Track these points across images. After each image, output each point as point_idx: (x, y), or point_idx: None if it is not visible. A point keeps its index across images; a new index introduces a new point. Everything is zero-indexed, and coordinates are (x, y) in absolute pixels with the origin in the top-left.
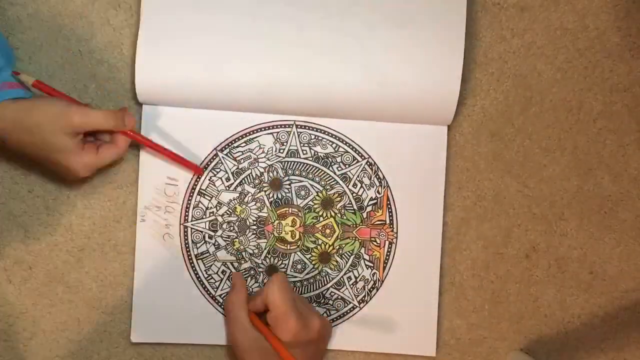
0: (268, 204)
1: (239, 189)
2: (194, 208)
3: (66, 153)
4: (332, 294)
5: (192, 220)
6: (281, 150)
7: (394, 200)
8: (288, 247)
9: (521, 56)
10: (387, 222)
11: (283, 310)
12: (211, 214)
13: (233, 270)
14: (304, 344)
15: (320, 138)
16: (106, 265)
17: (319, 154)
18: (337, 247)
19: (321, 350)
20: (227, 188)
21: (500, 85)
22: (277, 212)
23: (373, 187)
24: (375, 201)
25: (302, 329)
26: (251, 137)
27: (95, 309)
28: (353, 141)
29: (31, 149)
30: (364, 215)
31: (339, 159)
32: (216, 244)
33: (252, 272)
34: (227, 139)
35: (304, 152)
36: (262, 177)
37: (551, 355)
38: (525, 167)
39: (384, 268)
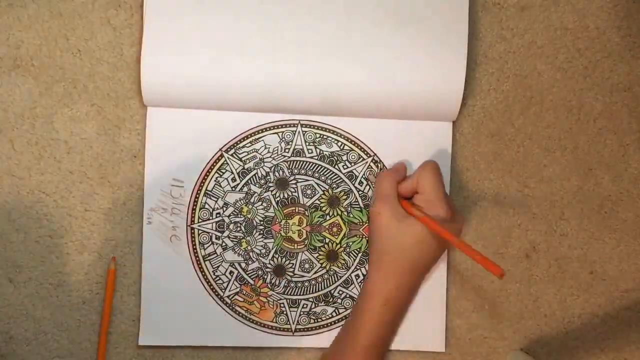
0: (274, 204)
1: (245, 189)
2: (200, 209)
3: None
4: (341, 292)
5: (198, 222)
6: (287, 150)
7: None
8: (295, 247)
9: (521, 56)
10: None
11: (435, 196)
12: (218, 215)
13: (241, 271)
14: (449, 227)
15: (325, 137)
16: (106, 266)
17: (325, 152)
18: (345, 245)
19: (445, 249)
20: (233, 188)
21: (501, 85)
22: (284, 211)
23: None
24: None
25: (450, 217)
26: (256, 137)
27: (97, 311)
28: (358, 139)
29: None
30: None
31: (344, 158)
32: (223, 244)
33: (259, 272)
34: (232, 140)
35: (310, 151)
36: (268, 177)
37: (551, 355)
38: (526, 167)
39: None
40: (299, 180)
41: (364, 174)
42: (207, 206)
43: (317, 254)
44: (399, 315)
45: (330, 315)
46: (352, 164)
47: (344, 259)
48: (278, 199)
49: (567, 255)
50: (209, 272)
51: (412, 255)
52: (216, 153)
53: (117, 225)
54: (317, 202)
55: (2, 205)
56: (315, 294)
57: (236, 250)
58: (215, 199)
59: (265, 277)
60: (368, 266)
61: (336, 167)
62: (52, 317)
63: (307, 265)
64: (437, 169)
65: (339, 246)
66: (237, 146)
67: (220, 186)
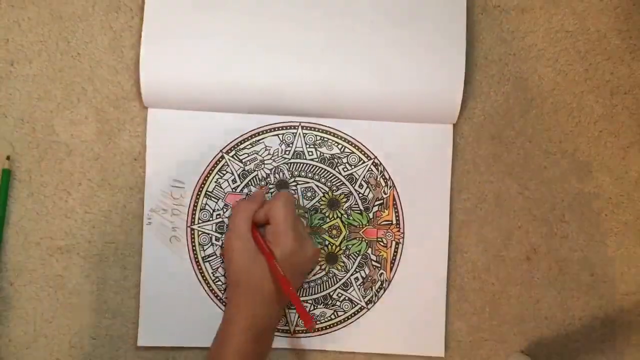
0: None
1: (246, 190)
2: (200, 210)
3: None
4: (340, 295)
5: (198, 223)
6: (287, 152)
7: (400, 200)
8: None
9: (521, 58)
10: (394, 222)
11: (284, 228)
12: (218, 216)
13: None
14: (294, 264)
15: (325, 139)
16: (108, 269)
17: (325, 155)
18: (344, 247)
19: (304, 275)
20: (234, 190)
21: (501, 87)
22: None
23: (379, 187)
24: (381, 201)
25: (297, 249)
26: (257, 138)
27: (97, 313)
28: (359, 142)
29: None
30: (371, 215)
31: (344, 160)
32: (223, 246)
33: None
34: (232, 141)
35: (310, 153)
36: (268, 179)
37: (552, 358)
38: (526, 169)
39: (391, 268)
40: (299, 182)
41: (364, 177)
42: (207, 207)
43: None
44: (262, 341)
45: (329, 318)
46: (353, 167)
47: (344, 262)
48: None
49: (568, 257)
50: (209, 274)
51: (263, 288)
52: (217, 154)
53: (118, 228)
54: (317, 204)
55: (3, 207)
56: (315, 296)
57: None
58: (216, 200)
59: None
60: (227, 292)
61: (336, 169)
62: (53, 320)
63: None
64: (288, 200)
65: (338, 249)
66: (238, 148)
67: (221, 187)
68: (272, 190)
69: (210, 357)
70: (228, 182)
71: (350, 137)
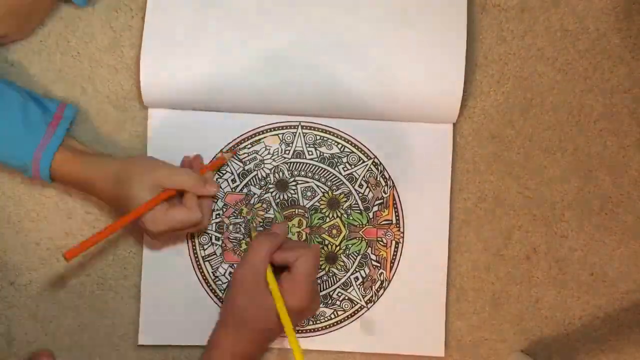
0: (274, 205)
1: (245, 190)
2: None
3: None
4: (340, 294)
5: None
6: (287, 152)
7: (400, 199)
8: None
9: (521, 58)
10: (394, 221)
11: (306, 284)
12: (218, 216)
13: None
14: (300, 316)
15: (325, 139)
16: (108, 269)
17: (325, 154)
18: (344, 247)
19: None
20: (233, 190)
21: (501, 87)
22: (284, 213)
23: (379, 187)
24: (381, 201)
25: (309, 306)
26: (257, 138)
27: (97, 313)
28: (358, 141)
29: (110, 199)
30: (370, 215)
31: (344, 160)
32: (223, 245)
33: None
34: (232, 141)
35: (310, 152)
36: (268, 179)
37: (552, 357)
38: (526, 168)
39: (391, 268)
40: (299, 182)
41: (364, 176)
42: None
43: None
44: None
45: (329, 317)
46: (353, 166)
47: (343, 261)
48: (278, 200)
49: (568, 256)
50: (209, 273)
51: (262, 328)
52: (216, 154)
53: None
54: (316, 204)
55: (3, 208)
56: None
57: (236, 251)
58: (216, 200)
59: None
60: (221, 314)
61: (336, 169)
62: (54, 319)
63: None
64: (317, 255)
65: (338, 248)
66: (238, 147)
67: (220, 187)
68: (272, 189)
69: None
70: (228, 181)
71: (350, 136)
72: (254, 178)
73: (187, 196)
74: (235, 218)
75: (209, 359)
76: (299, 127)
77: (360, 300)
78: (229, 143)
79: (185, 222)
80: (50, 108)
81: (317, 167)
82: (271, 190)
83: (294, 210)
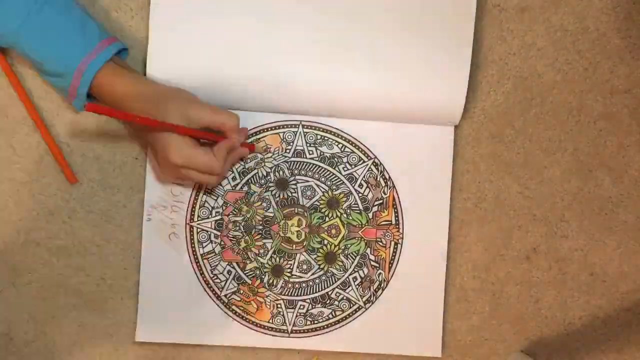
0: (274, 204)
1: (245, 188)
2: (200, 207)
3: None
4: (338, 294)
5: (198, 220)
6: (287, 150)
7: (399, 200)
8: (294, 247)
9: (521, 58)
10: (393, 222)
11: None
12: (217, 214)
13: (239, 270)
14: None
15: (326, 138)
16: (108, 269)
17: (325, 154)
18: (343, 247)
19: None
20: (234, 188)
21: (501, 87)
22: (283, 212)
23: (379, 187)
24: (381, 201)
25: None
26: (258, 137)
27: (97, 312)
28: (359, 141)
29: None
30: (370, 215)
31: (345, 159)
32: (222, 243)
33: (257, 272)
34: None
35: (310, 152)
36: (268, 177)
37: (552, 357)
38: (526, 168)
39: (390, 268)
40: (299, 181)
41: (364, 177)
42: (206, 205)
43: (315, 256)
44: None
45: (327, 317)
46: (353, 166)
47: (342, 261)
48: (278, 199)
49: (568, 256)
50: (207, 271)
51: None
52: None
53: (118, 228)
54: (316, 203)
55: (3, 208)
56: (313, 295)
57: (234, 249)
58: (215, 198)
59: (263, 277)
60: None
61: (336, 168)
62: (53, 320)
63: (305, 267)
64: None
65: (337, 248)
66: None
67: (221, 185)
68: (272, 188)
69: None
70: (228, 179)
71: (351, 136)
72: (254, 176)
73: (219, 145)
74: (235, 216)
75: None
76: (300, 126)
77: (359, 301)
78: None
79: (206, 166)
80: (106, 33)
81: (317, 167)
82: (271, 188)
83: (293, 209)
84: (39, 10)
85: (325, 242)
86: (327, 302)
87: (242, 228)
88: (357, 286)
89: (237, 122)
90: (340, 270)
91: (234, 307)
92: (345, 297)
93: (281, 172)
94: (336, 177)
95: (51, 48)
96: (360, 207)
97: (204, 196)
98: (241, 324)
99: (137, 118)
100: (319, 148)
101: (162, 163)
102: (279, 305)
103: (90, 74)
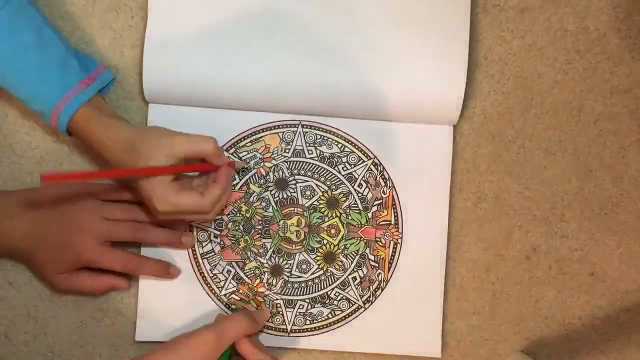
0: (273, 204)
1: (245, 188)
2: None
3: (153, 183)
4: (337, 294)
5: None
6: (287, 150)
7: (399, 200)
8: (293, 247)
9: (521, 58)
10: (393, 222)
11: None
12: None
13: (238, 270)
14: None
15: (325, 138)
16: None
17: (325, 153)
18: (342, 247)
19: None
20: (233, 187)
21: (501, 86)
22: (283, 211)
23: (378, 187)
24: (380, 201)
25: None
26: (257, 136)
27: (97, 312)
28: (359, 141)
29: (120, 165)
30: (369, 215)
31: (344, 159)
32: (221, 243)
33: (256, 271)
34: (232, 138)
35: (310, 152)
36: (268, 177)
37: (552, 357)
38: (526, 168)
39: (389, 268)
40: (299, 181)
41: (363, 176)
42: None
43: (314, 255)
44: None
45: (326, 317)
46: (352, 166)
47: (342, 261)
48: (277, 199)
49: (568, 256)
50: (206, 270)
51: None
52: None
53: None
54: (316, 203)
55: None
56: (312, 295)
57: (234, 249)
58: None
59: (262, 276)
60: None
61: (336, 168)
62: (53, 320)
63: (304, 266)
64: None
65: (336, 248)
66: (238, 145)
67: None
68: (271, 188)
69: None
70: None
71: (351, 136)
72: (253, 176)
73: (210, 191)
74: (235, 216)
75: None
76: (299, 125)
77: (358, 301)
78: (229, 140)
79: (195, 208)
80: (90, 68)
81: (316, 166)
82: (270, 188)
83: (292, 209)
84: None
85: (325, 241)
86: (327, 301)
87: (241, 228)
88: (356, 286)
89: (214, 146)
90: (340, 270)
91: (233, 306)
92: (344, 297)
93: (280, 172)
94: (335, 177)
95: (29, 87)
96: (360, 207)
97: None
98: None
99: (99, 174)
100: (319, 148)
101: (152, 211)
102: (278, 305)
103: (66, 117)
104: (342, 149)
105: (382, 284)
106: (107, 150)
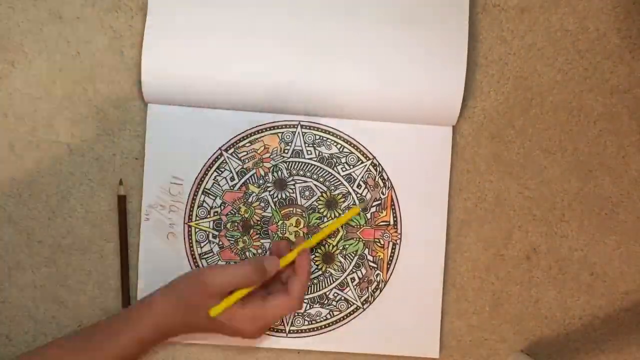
0: (272, 204)
1: (244, 188)
2: (198, 207)
3: (224, 316)
4: (336, 294)
5: (196, 220)
6: (286, 151)
7: (398, 201)
8: (292, 248)
9: (521, 58)
10: (391, 223)
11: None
12: (215, 214)
13: None
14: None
15: (325, 138)
16: (108, 269)
17: (324, 154)
18: (341, 247)
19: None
20: (232, 188)
21: (501, 87)
22: (281, 212)
23: (377, 187)
24: (379, 202)
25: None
26: (256, 137)
27: (98, 312)
28: (358, 142)
29: (193, 330)
30: (368, 216)
31: (343, 160)
32: (220, 243)
33: None
34: (232, 139)
35: (309, 152)
36: (267, 177)
37: (552, 357)
38: (526, 168)
39: (388, 269)
40: (298, 182)
41: (362, 177)
42: (205, 204)
43: (313, 256)
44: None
45: (324, 318)
46: (351, 167)
47: (340, 262)
48: (276, 199)
49: (568, 256)
50: None
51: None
52: (215, 152)
53: (117, 227)
54: (314, 203)
55: (4, 207)
56: (310, 296)
57: (232, 249)
58: (214, 198)
59: None
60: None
61: (335, 169)
62: (53, 320)
63: None
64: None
65: (335, 248)
66: (237, 145)
67: (219, 185)
68: (270, 188)
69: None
70: (226, 179)
71: (350, 137)
72: (252, 176)
73: (292, 287)
74: (233, 216)
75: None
76: (299, 126)
77: (357, 301)
78: (228, 141)
79: (286, 311)
80: None
81: (315, 167)
82: (269, 189)
83: (291, 209)
84: None
85: (323, 242)
86: (325, 302)
87: (240, 228)
88: (355, 286)
89: (252, 272)
90: (338, 271)
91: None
92: (343, 298)
93: (279, 173)
94: (334, 178)
95: None
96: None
97: (203, 196)
98: None
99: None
100: (318, 148)
101: (243, 335)
102: None
103: None
104: (341, 150)
105: (380, 285)
106: (166, 335)
